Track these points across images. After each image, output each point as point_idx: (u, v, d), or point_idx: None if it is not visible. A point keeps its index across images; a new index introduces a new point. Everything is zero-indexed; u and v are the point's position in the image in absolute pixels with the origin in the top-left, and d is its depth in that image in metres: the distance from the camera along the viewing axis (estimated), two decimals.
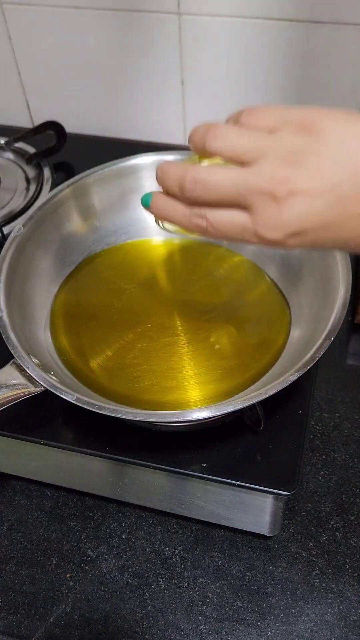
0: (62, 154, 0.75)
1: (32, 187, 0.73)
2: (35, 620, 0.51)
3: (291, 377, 0.44)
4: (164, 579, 0.53)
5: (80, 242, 0.62)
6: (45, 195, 0.70)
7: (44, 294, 0.58)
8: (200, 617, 0.51)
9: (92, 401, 0.44)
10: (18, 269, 0.54)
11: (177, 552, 0.54)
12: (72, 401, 0.44)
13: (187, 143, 0.71)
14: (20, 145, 0.77)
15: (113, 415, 0.43)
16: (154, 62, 0.75)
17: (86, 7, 0.72)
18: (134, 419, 0.44)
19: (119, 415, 0.43)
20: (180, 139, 0.82)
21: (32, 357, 0.47)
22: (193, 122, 0.80)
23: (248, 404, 0.43)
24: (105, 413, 0.43)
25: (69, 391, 0.45)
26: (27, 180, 0.74)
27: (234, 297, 0.58)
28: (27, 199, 0.71)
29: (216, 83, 0.75)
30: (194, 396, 0.51)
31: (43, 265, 0.58)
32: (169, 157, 0.62)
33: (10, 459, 0.57)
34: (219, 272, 0.60)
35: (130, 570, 0.53)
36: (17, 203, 0.71)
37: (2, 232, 0.65)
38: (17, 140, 0.77)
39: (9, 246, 0.55)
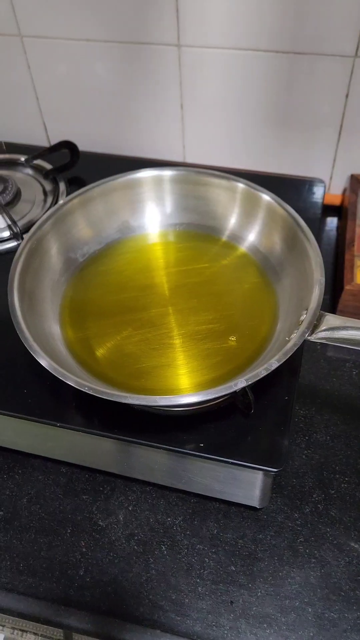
0: (76, 169, 0.74)
1: (49, 199, 0.72)
2: (52, 582, 0.51)
3: (273, 364, 0.43)
4: (166, 546, 0.52)
5: (87, 243, 0.61)
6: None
7: (53, 291, 0.57)
8: (198, 580, 0.50)
9: (92, 386, 0.44)
10: (30, 269, 0.54)
11: (177, 522, 0.54)
12: (77, 387, 0.44)
13: (185, 160, 0.71)
14: (38, 162, 0.76)
15: (114, 400, 0.43)
16: (156, 89, 0.75)
17: (96, 39, 0.72)
18: (134, 402, 0.44)
19: (120, 400, 0.43)
20: (179, 157, 0.81)
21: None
22: (191, 141, 0.79)
23: (235, 388, 0.43)
24: (110, 399, 0.43)
25: (72, 377, 0.44)
26: (45, 193, 0.73)
27: (229, 287, 0.57)
28: (45, 210, 0.70)
29: (212, 107, 0.74)
30: (187, 383, 0.51)
31: (52, 265, 0.58)
32: (166, 172, 0.62)
33: (30, 440, 0.56)
34: (217, 264, 0.59)
35: (136, 538, 0.53)
36: (36, 213, 0.70)
37: (22, 239, 0.64)
38: (35, 157, 0.76)
39: (23, 248, 0.54)
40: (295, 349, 0.44)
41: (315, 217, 0.68)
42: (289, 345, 0.44)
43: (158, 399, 0.44)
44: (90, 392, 0.43)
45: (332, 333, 0.45)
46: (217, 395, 0.44)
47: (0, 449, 0.59)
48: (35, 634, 0.58)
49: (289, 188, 0.73)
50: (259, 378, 0.43)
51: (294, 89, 0.69)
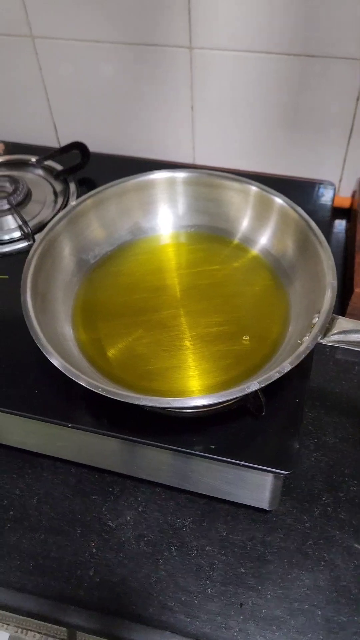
0: (86, 170, 0.74)
1: (60, 200, 0.72)
2: (62, 582, 0.51)
3: (286, 367, 0.43)
4: (175, 547, 0.52)
5: (98, 244, 0.61)
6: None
7: (65, 291, 0.57)
8: (207, 582, 0.50)
9: (105, 387, 0.44)
10: (43, 270, 0.54)
11: (186, 523, 0.54)
12: (90, 388, 0.44)
13: (195, 162, 0.71)
14: (49, 163, 0.76)
15: (128, 401, 0.43)
16: (166, 90, 0.75)
17: (108, 41, 0.72)
18: (147, 404, 0.44)
19: (134, 402, 0.43)
20: (188, 158, 0.81)
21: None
22: (201, 142, 0.79)
23: (248, 391, 0.43)
24: (124, 400, 0.43)
25: (85, 378, 0.44)
26: (55, 194, 0.73)
27: (240, 290, 0.57)
28: (55, 211, 0.71)
29: (222, 109, 0.74)
30: (197, 385, 0.51)
31: (65, 266, 0.58)
32: (179, 174, 0.62)
33: (40, 440, 0.56)
34: (228, 267, 0.59)
35: (145, 539, 0.53)
36: (46, 214, 0.70)
37: (33, 239, 0.64)
38: (46, 158, 0.76)
39: (36, 248, 0.54)
40: (308, 352, 0.44)
41: (325, 219, 0.68)
42: (302, 348, 0.44)
43: (171, 400, 0.44)
44: (104, 394, 0.43)
45: (345, 336, 0.45)
46: (229, 398, 0.44)
47: (10, 448, 0.59)
48: (38, 632, 0.59)
49: (298, 190, 0.73)
50: (271, 381, 0.43)
51: (304, 92, 0.69)
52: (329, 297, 0.47)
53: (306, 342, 0.45)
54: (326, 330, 0.45)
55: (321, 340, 0.45)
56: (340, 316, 0.46)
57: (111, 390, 0.43)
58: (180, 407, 0.46)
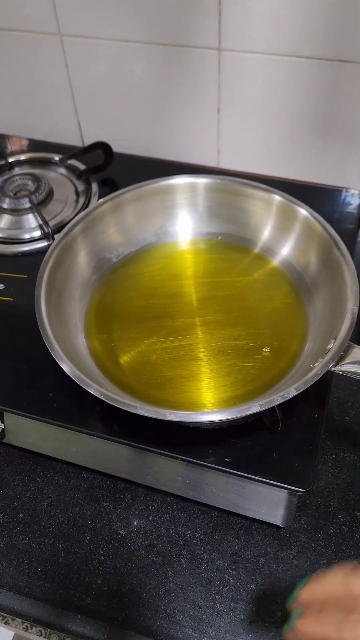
0: (109, 171, 0.74)
1: (81, 200, 0.71)
2: (70, 589, 0.50)
3: (291, 392, 0.42)
4: (185, 559, 0.51)
5: (122, 244, 0.61)
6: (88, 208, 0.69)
7: (83, 289, 0.57)
8: (217, 596, 0.49)
9: (107, 393, 0.43)
10: (62, 266, 0.53)
11: (198, 535, 0.53)
12: (98, 396, 0.43)
13: (219, 165, 0.69)
14: (72, 162, 0.76)
15: (124, 408, 0.43)
16: (193, 92, 0.73)
17: (136, 40, 0.71)
18: (143, 414, 0.43)
19: (130, 410, 0.42)
20: (213, 162, 0.80)
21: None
22: (226, 146, 0.78)
23: (247, 412, 0.42)
24: (120, 407, 0.43)
25: (96, 386, 0.44)
26: (77, 194, 0.73)
27: (258, 303, 0.56)
28: (77, 211, 0.70)
29: (249, 112, 0.73)
30: (206, 399, 0.50)
31: (85, 264, 0.57)
32: (201, 180, 0.61)
33: (54, 444, 0.55)
34: (247, 278, 0.58)
35: (155, 549, 0.52)
36: (68, 213, 0.70)
37: (53, 239, 0.64)
38: (70, 157, 0.75)
39: (56, 245, 0.54)
40: (317, 379, 0.43)
41: (350, 228, 0.66)
42: (311, 374, 0.43)
43: (167, 413, 0.43)
44: (102, 398, 0.43)
45: (357, 367, 0.44)
46: (229, 418, 0.43)
47: (23, 450, 0.58)
48: (43, 629, 0.58)
49: (324, 198, 0.71)
50: (273, 405, 0.42)
51: (334, 97, 0.67)
52: (347, 325, 0.45)
53: (316, 369, 0.43)
54: (340, 358, 0.44)
55: (333, 369, 0.44)
56: (357, 346, 0.45)
57: (110, 395, 0.43)
58: (177, 421, 0.45)
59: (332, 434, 0.58)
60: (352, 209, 0.70)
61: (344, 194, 0.71)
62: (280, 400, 0.42)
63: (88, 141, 0.82)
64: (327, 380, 0.51)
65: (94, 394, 0.43)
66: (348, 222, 0.67)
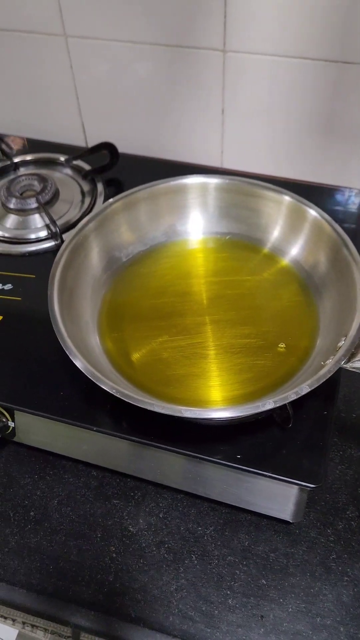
0: (114, 171, 0.74)
1: (87, 200, 0.72)
2: (82, 586, 0.51)
3: (304, 389, 0.43)
4: (196, 556, 0.52)
5: (132, 244, 0.61)
6: (98, 207, 0.69)
7: (94, 288, 0.57)
8: (228, 592, 0.50)
9: (123, 390, 0.44)
10: (73, 265, 0.54)
11: (208, 532, 0.53)
12: (111, 392, 0.44)
13: (222, 166, 0.70)
14: (77, 162, 0.76)
15: (140, 405, 0.43)
16: (198, 92, 0.74)
17: (140, 41, 0.71)
18: (159, 411, 0.43)
19: (146, 407, 0.43)
20: (216, 162, 0.81)
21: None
22: (229, 146, 0.79)
23: (262, 409, 0.42)
24: (136, 404, 0.43)
25: (110, 383, 0.44)
26: (83, 194, 0.73)
27: (268, 302, 0.57)
28: (82, 211, 0.70)
29: (253, 113, 0.73)
30: (216, 396, 0.50)
31: (96, 263, 0.58)
32: (212, 180, 0.62)
33: (64, 442, 0.56)
34: (257, 277, 0.59)
35: (166, 546, 0.53)
36: (74, 214, 0.70)
37: (61, 239, 0.64)
38: (75, 158, 0.76)
39: (68, 244, 0.54)
40: (329, 375, 0.43)
41: (353, 228, 0.67)
42: (323, 371, 0.44)
43: (183, 410, 0.43)
44: (117, 395, 0.43)
45: None
46: (243, 414, 0.43)
47: (32, 449, 0.59)
48: (45, 629, 0.58)
49: (327, 198, 0.72)
50: (287, 401, 0.43)
51: (339, 98, 0.68)
52: (357, 322, 0.46)
53: (328, 366, 0.44)
54: (351, 355, 0.45)
55: (344, 365, 0.44)
56: None
57: (126, 393, 0.43)
58: (192, 418, 0.46)
59: (339, 431, 0.58)
60: (355, 208, 0.71)
61: (347, 193, 0.72)
62: (293, 397, 0.42)
63: (91, 142, 0.83)
64: (335, 377, 0.52)
65: (109, 390, 0.44)
66: (351, 222, 0.68)
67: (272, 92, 0.70)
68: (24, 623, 0.59)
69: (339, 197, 0.72)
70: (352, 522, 0.53)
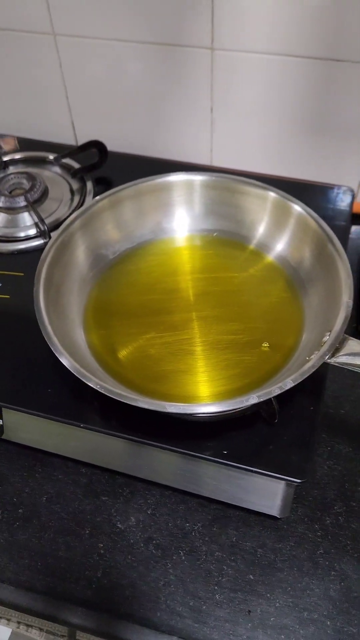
0: (104, 169, 0.74)
1: (76, 198, 0.72)
2: (70, 583, 0.51)
3: (288, 384, 0.43)
4: (184, 552, 0.52)
5: (118, 241, 0.61)
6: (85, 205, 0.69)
7: (80, 285, 0.57)
8: (216, 587, 0.50)
9: (107, 386, 0.44)
10: (59, 262, 0.54)
11: (196, 528, 0.54)
12: (98, 389, 0.44)
13: (212, 164, 0.70)
14: (67, 160, 0.76)
15: (124, 401, 0.43)
16: (187, 91, 0.74)
17: (129, 40, 0.71)
18: (144, 406, 0.43)
19: (130, 402, 0.43)
20: (206, 160, 0.81)
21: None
22: (219, 145, 0.79)
23: (247, 404, 0.43)
24: (121, 400, 0.43)
25: (97, 380, 0.44)
26: (72, 192, 0.73)
27: (254, 298, 0.57)
28: (72, 209, 0.71)
29: (242, 111, 0.74)
30: (203, 392, 0.50)
31: (83, 260, 0.58)
32: (198, 177, 0.62)
33: (53, 439, 0.56)
34: (243, 273, 0.59)
35: (154, 542, 0.53)
36: (63, 212, 0.70)
37: (49, 237, 0.64)
38: (64, 156, 0.76)
39: (55, 241, 0.54)
40: (313, 370, 0.44)
41: (343, 225, 0.68)
42: (307, 366, 0.44)
43: (167, 405, 0.43)
44: (102, 391, 0.43)
45: (352, 359, 0.44)
46: (228, 409, 0.43)
47: (21, 446, 0.59)
48: (40, 629, 0.59)
49: (317, 195, 0.72)
50: (271, 396, 0.43)
51: (327, 96, 0.68)
52: (342, 318, 0.46)
53: (312, 361, 0.44)
54: (335, 350, 0.45)
55: (329, 360, 0.45)
56: (352, 338, 0.46)
57: (110, 389, 0.43)
58: (176, 413, 0.46)
59: (327, 427, 0.59)
60: (344, 206, 0.71)
61: (336, 191, 0.72)
62: (277, 392, 0.43)
63: (82, 140, 0.83)
64: (322, 373, 0.52)
65: (94, 387, 0.44)
66: (341, 219, 0.69)
67: (260, 90, 0.71)
68: (18, 622, 0.59)
69: (330, 194, 0.72)
70: (340, 518, 0.53)
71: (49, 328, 0.47)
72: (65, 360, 0.45)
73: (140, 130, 0.81)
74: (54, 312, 0.50)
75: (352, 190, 0.72)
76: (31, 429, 0.55)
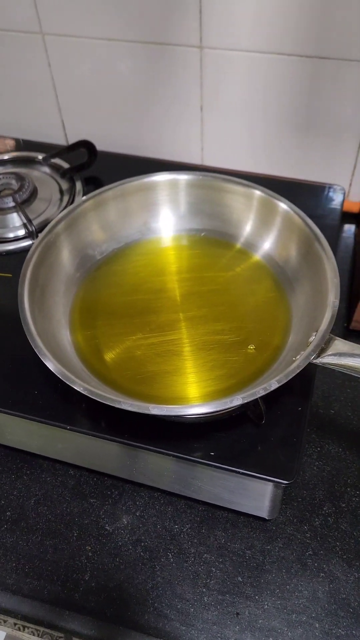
0: (93, 169, 0.74)
1: (65, 198, 0.72)
2: (57, 585, 0.51)
3: (272, 385, 0.42)
4: (172, 554, 0.52)
5: (105, 242, 0.61)
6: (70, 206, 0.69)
7: (67, 285, 0.57)
8: (204, 589, 0.50)
9: (96, 391, 0.43)
10: (45, 263, 0.54)
11: (185, 529, 0.53)
12: (82, 391, 0.43)
13: (203, 163, 0.70)
14: (56, 160, 0.76)
15: (108, 403, 0.43)
16: (176, 90, 0.74)
17: (119, 39, 0.71)
18: (127, 408, 0.43)
19: (114, 404, 0.42)
20: (197, 159, 0.81)
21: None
22: (209, 143, 0.79)
23: (230, 405, 0.42)
24: (104, 402, 0.43)
25: (81, 383, 0.44)
26: (61, 192, 0.73)
27: (241, 298, 0.56)
28: (61, 209, 0.70)
29: (231, 110, 0.73)
30: (190, 393, 0.50)
31: (69, 260, 0.58)
32: (182, 176, 0.61)
33: (40, 441, 0.56)
34: (230, 272, 0.58)
35: (142, 544, 0.53)
36: (52, 212, 0.70)
37: (38, 237, 0.64)
38: (53, 156, 0.76)
39: (40, 242, 0.54)
40: (298, 371, 0.43)
41: (334, 224, 0.67)
42: (292, 366, 0.43)
43: (151, 407, 0.43)
44: (86, 393, 0.43)
45: (338, 359, 0.44)
46: (212, 410, 0.43)
47: (9, 448, 0.59)
48: (36, 630, 0.58)
49: (307, 194, 0.72)
50: (256, 397, 0.42)
51: (317, 94, 0.68)
52: (328, 317, 0.46)
53: (298, 361, 0.44)
54: (321, 350, 0.44)
55: (314, 361, 0.44)
56: (338, 338, 0.45)
57: (94, 391, 0.43)
58: (160, 415, 0.45)
59: (317, 427, 0.59)
60: (335, 204, 0.71)
61: (327, 190, 0.72)
62: (262, 393, 0.42)
63: (72, 140, 0.83)
64: (310, 373, 0.52)
65: (78, 389, 0.44)
66: (331, 218, 0.68)
67: (249, 88, 0.70)
68: (15, 624, 0.59)
69: (319, 193, 0.72)
70: (329, 519, 0.53)
71: (33, 329, 0.47)
72: (49, 362, 0.45)
73: (130, 130, 0.81)
74: (40, 313, 0.50)
75: (343, 189, 0.72)
76: (18, 430, 0.55)
